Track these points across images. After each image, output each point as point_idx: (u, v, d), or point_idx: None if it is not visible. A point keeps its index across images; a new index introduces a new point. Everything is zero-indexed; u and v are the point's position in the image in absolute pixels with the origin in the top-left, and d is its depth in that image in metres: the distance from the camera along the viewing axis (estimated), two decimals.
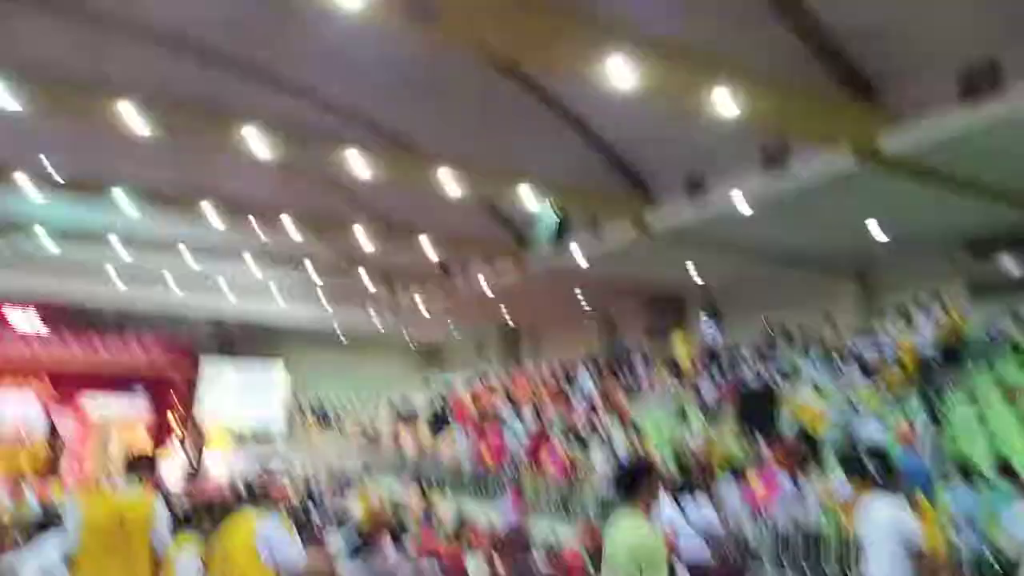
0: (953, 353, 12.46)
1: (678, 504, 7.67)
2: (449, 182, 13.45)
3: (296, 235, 20.08)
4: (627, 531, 3.37)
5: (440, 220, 19.22)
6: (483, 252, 19.61)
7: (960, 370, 12.20)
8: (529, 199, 14.02)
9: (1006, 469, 7.47)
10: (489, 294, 21.56)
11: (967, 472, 7.48)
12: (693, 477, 9.58)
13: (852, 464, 8.58)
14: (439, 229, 18.96)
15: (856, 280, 17.14)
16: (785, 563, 7.90)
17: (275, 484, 13.08)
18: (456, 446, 15.05)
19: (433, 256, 20.50)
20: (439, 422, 17.34)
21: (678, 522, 7.34)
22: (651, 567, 3.22)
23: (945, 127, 9.71)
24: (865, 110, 10.43)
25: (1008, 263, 13.89)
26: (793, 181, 11.88)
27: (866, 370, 13.12)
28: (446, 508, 11.71)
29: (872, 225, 13.67)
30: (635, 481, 3.50)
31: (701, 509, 7.97)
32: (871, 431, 10.33)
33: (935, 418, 9.80)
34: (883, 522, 5.03)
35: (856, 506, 5.94)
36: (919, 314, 13.16)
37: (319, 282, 26.90)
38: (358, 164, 12.79)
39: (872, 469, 7.63)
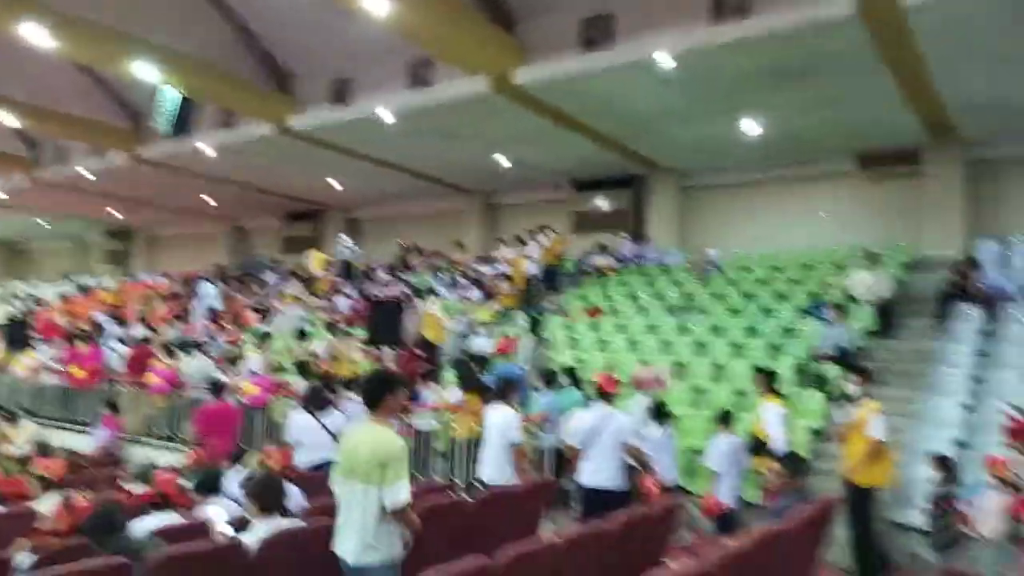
0: (553, 276, 14.24)
1: (310, 412, 7.53)
2: (38, 35, 10.69)
3: None
4: (370, 435, 3.68)
5: (31, 87, 15.48)
6: (87, 131, 16.37)
7: (558, 291, 14.01)
8: (149, 75, 11.88)
9: (574, 376, 8.74)
10: (89, 177, 18.30)
11: (550, 379, 8.58)
12: (324, 389, 9.45)
13: (466, 374, 9.35)
14: (28, 98, 15.24)
15: (484, 204, 18.49)
16: None
17: None
18: (39, 364, 12.64)
19: (13, 127, 16.48)
20: (18, 336, 14.37)
21: (306, 427, 7.24)
22: (394, 464, 3.57)
23: (565, 68, 10.65)
24: (506, 41, 10.90)
25: (601, 201, 16.27)
26: (434, 99, 12.06)
27: (485, 290, 14.31)
28: (20, 436, 9.77)
29: (500, 153, 14.71)
30: (380, 393, 3.78)
31: (331, 416, 7.90)
32: (481, 344, 11.27)
33: (536, 332, 11.07)
34: (495, 424, 6.10)
35: (478, 412, 7.04)
36: (530, 241, 14.68)
37: None
38: None
39: (476, 373, 8.38)
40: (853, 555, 5.98)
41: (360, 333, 12.65)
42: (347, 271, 17.35)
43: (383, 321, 11.99)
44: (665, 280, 13.68)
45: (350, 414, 8.61)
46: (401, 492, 3.56)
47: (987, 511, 5.38)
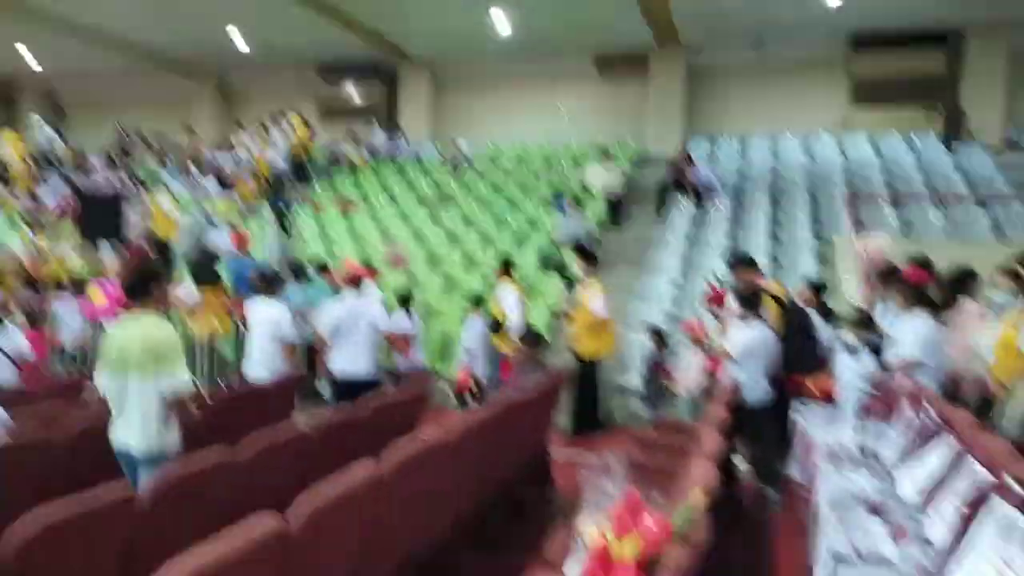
0: (302, 168, 13.48)
1: None
2: None
3: None
4: (141, 327, 3.56)
5: None
6: None
7: (307, 184, 13.33)
8: None
9: (323, 268, 8.49)
10: None
11: (299, 272, 8.24)
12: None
13: (202, 271, 8.61)
14: None
15: (218, 89, 16.73)
16: None
17: None
18: None
19: None
20: None
21: None
22: (169, 353, 3.52)
23: None
24: None
25: (351, 90, 15.50)
26: None
27: (223, 182, 13.13)
28: None
29: (235, 32, 13.21)
30: (147, 284, 3.66)
31: (11, 335, 6.88)
32: (218, 239, 10.41)
33: (284, 226, 10.45)
34: (262, 320, 5.86)
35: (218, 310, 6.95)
36: (274, 130, 13.64)
37: None
38: None
39: (213, 269, 7.84)
40: (575, 418, 6.66)
41: (70, 230, 11.03)
42: (49, 159, 14.86)
43: (98, 216, 10.53)
44: (418, 172, 13.62)
45: (63, 317, 7.64)
46: (180, 380, 3.57)
47: (687, 369, 6.28)
